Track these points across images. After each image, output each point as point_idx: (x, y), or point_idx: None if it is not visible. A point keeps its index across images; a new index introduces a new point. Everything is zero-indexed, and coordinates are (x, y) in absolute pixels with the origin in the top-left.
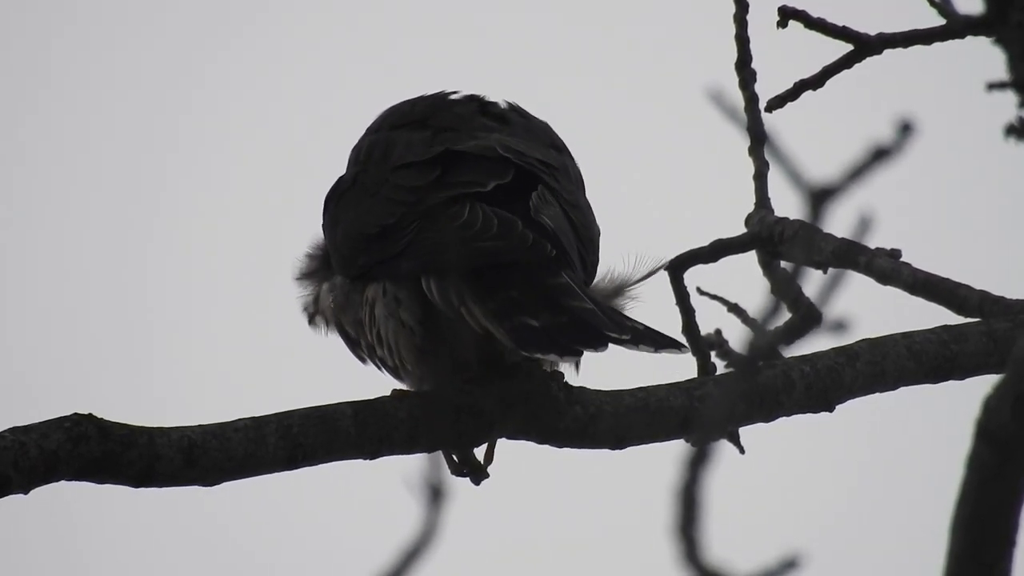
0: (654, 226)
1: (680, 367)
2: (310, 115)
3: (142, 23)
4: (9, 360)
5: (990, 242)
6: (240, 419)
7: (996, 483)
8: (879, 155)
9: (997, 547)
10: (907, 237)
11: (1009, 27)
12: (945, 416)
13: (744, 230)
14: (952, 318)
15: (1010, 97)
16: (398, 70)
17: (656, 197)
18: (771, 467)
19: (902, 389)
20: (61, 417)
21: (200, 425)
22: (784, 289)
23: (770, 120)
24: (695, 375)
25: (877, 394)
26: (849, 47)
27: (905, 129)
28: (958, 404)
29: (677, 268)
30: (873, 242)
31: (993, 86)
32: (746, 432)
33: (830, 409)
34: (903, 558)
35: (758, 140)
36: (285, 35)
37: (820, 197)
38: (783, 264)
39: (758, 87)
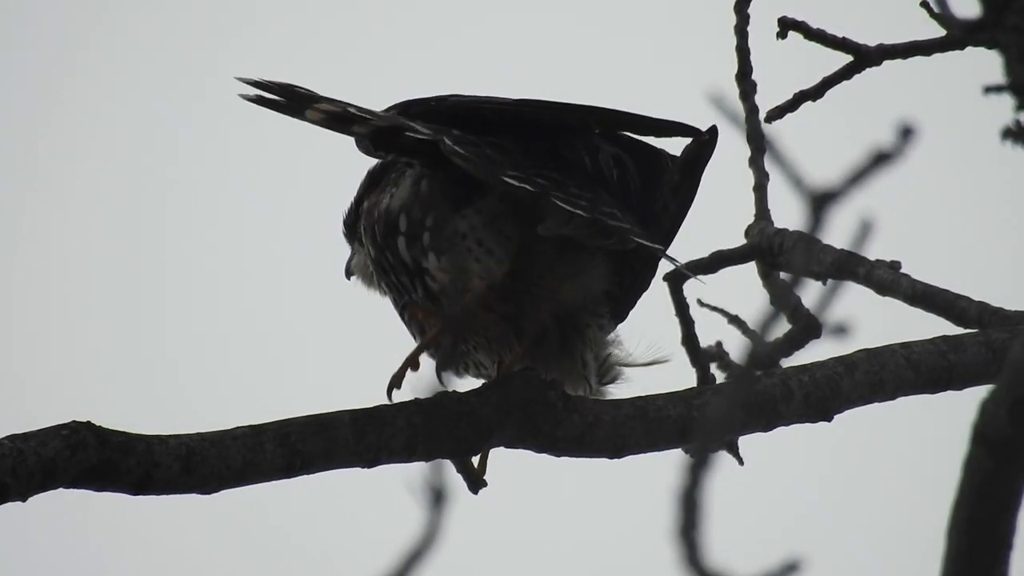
0: None
1: (679, 377)
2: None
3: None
4: (7, 367)
5: (989, 251)
6: (239, 427)
7: (993, 487)
8: (879, 159)
9: (994, 550)
10: (905, 246)
11: (1006, 30)
12: (943, 426)
13: (744, 241)
14: (951, 329)
15: (1007, 101)
16: (402, 73)
17: None
18: (770, 476)
19: (900, 399)
20: (59, 425)
21: (198, 433)
22: (783, 300)
23: (770, 128)
24: (694, 386)
25: (875, 404)
26: (849, 58)
27: (906, 133)
28: (956, 414)
29: (676, 279)
30: (872, 251)
31: (990, 90)
32: (744, 441)
33: (828, 419)
34: (900, 562)
35: (759, 151)
36: (295, 40)
37: (821, 202)
38: (782, 275)
39: (758, 97)
